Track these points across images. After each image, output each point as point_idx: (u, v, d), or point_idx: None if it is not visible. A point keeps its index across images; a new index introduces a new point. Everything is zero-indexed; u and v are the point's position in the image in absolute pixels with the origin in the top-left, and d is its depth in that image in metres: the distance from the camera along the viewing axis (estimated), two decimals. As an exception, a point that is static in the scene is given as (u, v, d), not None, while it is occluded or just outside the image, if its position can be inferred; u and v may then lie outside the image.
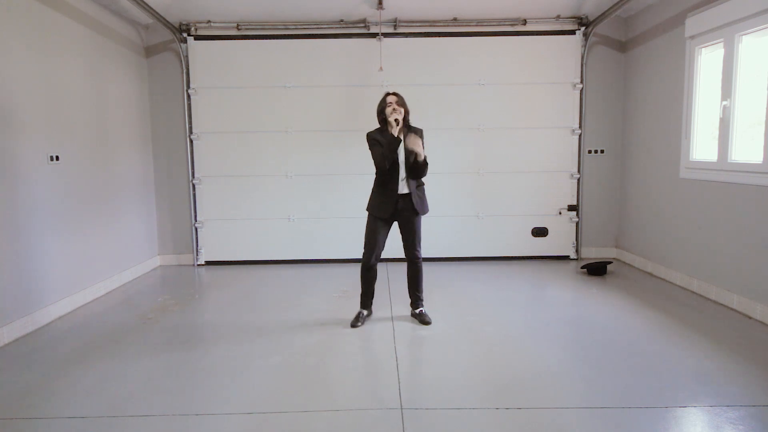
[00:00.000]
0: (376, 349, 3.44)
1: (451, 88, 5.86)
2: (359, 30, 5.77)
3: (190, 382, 2.98)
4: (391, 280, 5.13)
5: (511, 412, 2.58)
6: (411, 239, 3.88)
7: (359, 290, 4.02)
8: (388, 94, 3.82)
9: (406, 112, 3.79)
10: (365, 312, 4.00)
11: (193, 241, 6.03)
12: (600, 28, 5.73)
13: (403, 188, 3.76)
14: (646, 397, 2.71)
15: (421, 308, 4.03)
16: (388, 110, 3.69)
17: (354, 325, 3.88)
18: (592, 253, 6.11)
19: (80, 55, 4.58)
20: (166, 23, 5.42)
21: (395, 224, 3.93)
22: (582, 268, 5.46)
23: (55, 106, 4.22)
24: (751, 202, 3.95)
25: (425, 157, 3.69)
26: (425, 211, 3.87)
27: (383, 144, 3.67)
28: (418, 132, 3.79)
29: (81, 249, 4.54)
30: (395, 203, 3.75)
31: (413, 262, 3.97)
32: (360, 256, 3.91)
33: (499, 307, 4.29)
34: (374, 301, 4.17)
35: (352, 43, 5.81)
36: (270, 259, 6.06)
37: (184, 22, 5.72)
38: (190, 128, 5.89)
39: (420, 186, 3.87)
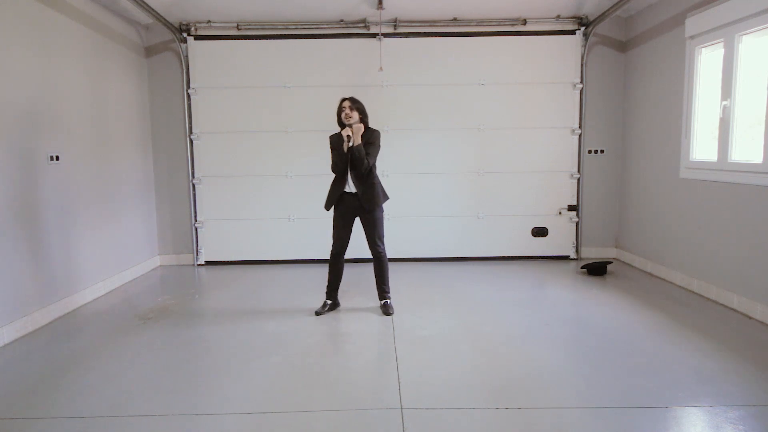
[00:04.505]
0: (376, 349, 3.44)
1: (451, 88, 5.86)
2: (359, 30, 5.77)
3: (190, 382, 2.98)
4: (391, 280, 5.11)
5: (511, 412, 2.58)
6: (370, 234, 4.10)
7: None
8: (343, 99, 4.02)
9: (363, 115, 4.02)
10: (329, 302, 4.19)
11: (193, 241, 6.03)
12: (600, 28, 5.73)
13: (350, 187, 4.03)
14: (646, 397, 2.71)
15: (386, 300, 4.18)
16: (343, 132, 3.97)
17: (318, 312, 4.12)
18: (592, 253, 6.10)
19: (80, 55, 4.58)
20: (166, 23, 5.42)
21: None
22: (582, 268, 5.46)
23: (55, 106, 4.22)
24: (751, 202, 3.95)
25: (359, 149, 3.88)
26: (373, 207, 4.04)
27: (338, 152, 4.00)
28: (375, 133, 4.03)
29: (81, 249, 4.54)
30: (339, 198, 4.07)
31: (375, 256, 4.15)
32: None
33: (499, 307, 4.28)
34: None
35: (352, 43, 5.81)
36: (270, 259, 6.06)
37: (184, 22, 5.72)
38: (190, 128, 5.89)
39: (371, 183, 4.03)
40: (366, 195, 3.99)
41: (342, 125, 4.04)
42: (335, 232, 4.14)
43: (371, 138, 4.00)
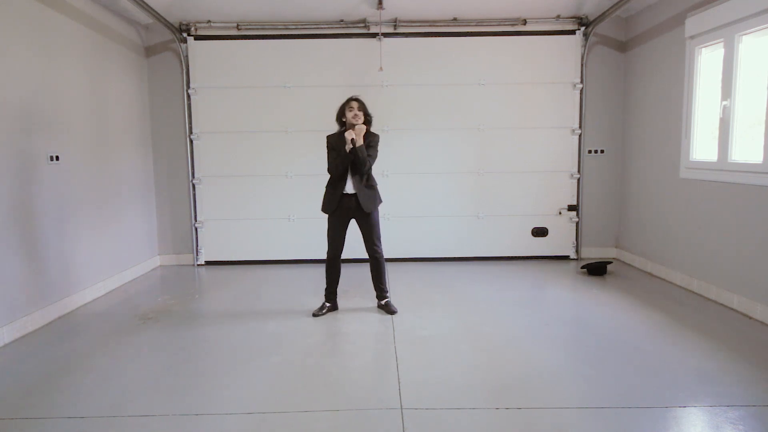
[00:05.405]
0: (376, 349, 3.44)
1: (451, 88, 5.86)
2: (359, 30, 5.77)
3: (190, 382, 2.98)
4: (391, 281, 5.13)
5: (511, 412, 2.58)
6: (368, 235, 4.08)
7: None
8: (351, 99, 4.00)
9: (368, 117, 4.01)
10: (328, 305, 4.18)
11: (193, 241, 6.02)
12: (600, 28, 5.73)
13: (349, 188, 3.99)
14: (646, 397, 2.71)
15: (386, 299, 4.19)
16: (347, 134, 3.88)
17: (316, 314, 4.09)
18: (592, 253, 6.10)
19: (80, 55, 4.58)
20: (166, 23, 5.42)
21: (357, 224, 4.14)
22: (582, 268, 5.46)
23: (55, 106, 4.22)
24: (751, 202, 3.95)
25: (362, 150, 3.86)
26: (371, 208, 4.03)
27: (338, 153, 3.93)
28: (375, 137, 4.03)
29: (81, 249, 4.54)
30: (339, 201, 4.00)
31: (373, 257, 4.13)
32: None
33: (499, 307, 4.28)
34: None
35: (352, 43, 5.81)
36: (270, 259, 6.06)
37: (184, 22, 5.72)
38: (190, 128, 5.89)
39: (369, 185, 4.04)
40: (366, 197, 3.99)
41: (342, 124, 4.03)
42: (331, 234, 4.11)
43: (372, 141, 4.00)
